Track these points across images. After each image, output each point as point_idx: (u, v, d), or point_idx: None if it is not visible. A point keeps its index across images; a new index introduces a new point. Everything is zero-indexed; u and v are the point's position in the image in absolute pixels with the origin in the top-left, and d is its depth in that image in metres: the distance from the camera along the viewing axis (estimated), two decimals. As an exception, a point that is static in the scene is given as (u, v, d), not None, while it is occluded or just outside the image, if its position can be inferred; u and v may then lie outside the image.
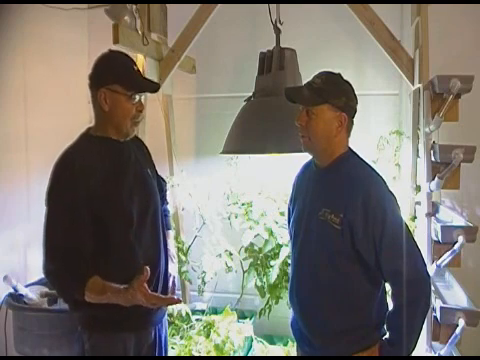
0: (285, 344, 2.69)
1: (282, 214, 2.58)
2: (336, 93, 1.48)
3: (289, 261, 2.45)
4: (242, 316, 2.80)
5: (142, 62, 2.45)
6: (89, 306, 1.47)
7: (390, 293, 1.50)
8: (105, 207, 1.49)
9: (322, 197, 1.53)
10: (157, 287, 1.61)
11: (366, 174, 1.53)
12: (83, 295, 1.42)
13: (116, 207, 1.52)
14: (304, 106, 1.51)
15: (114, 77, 1.50)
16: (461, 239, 1.90)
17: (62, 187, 1.47)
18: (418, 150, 2.41)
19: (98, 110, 1.54)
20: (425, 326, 1.49)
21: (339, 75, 1.54)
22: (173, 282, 1.75)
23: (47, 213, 1.47)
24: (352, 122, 1.54)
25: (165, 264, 1.68)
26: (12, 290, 2.31)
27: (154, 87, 1.62)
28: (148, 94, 2.57)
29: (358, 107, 1.55)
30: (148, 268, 1.41)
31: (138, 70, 1.58)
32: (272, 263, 2.57)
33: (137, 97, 1.54)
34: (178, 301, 1.50)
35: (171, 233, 1.88)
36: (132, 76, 1.54)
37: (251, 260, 2.68)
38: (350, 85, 1.53)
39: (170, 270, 1.73)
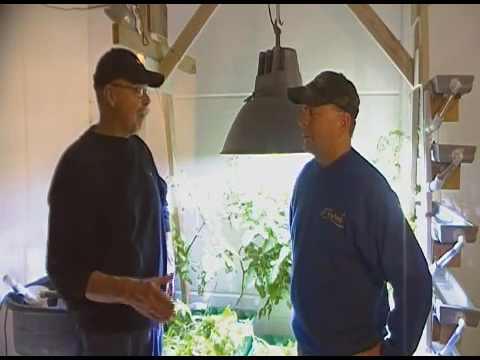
0: (285, 344, 2.69)
1: (282, 214, 2.58)
2: (339, 93, 1.49)
3: (289, 261, 2.45)
4: (242, 316, 2.80)
5: (142, 62, 2.45)
6: (88, 306, 1.46)
7: (392, 293, 1.50)
8: (108, 206, 1.49)
9: (324, 196, 1.54)
10: None
11: (368, 173, 1.53)
12: (83, 292, 1.41)
13: (119, 207, 1.52)
14: (308, 106, 1.51)
15: (118, 72, 1.51)
16: (461, 239, 1.90)
17: (66, 184, 1.47)
18: (418, 150, 2.41)
19: (104, 107, 1.55)
20: (425, 326, 1.48)
21: (341, 75, 1.54)
22: (170, 285, 1.75)
23: (51, 210, 1.47)
24: (354, 122, 1.54)
25: (164, 267, 1.68)
26: (12, 290, 2.31)
27: (158, 79, 1.62)
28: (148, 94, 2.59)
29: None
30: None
31: (141, 64, 1.60)
32: (272, 263, 2.57)
33: (142, 90, 1.55)
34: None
35: (169, 235, 1.88)
36: (136, 69, 1.55)
37: (251, 260, 2.68)
38: (352, 85, 1.53)
39: (168, 273, 1.73)
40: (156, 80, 1.61)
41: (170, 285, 1.75)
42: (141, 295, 1.37)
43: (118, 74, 1.51)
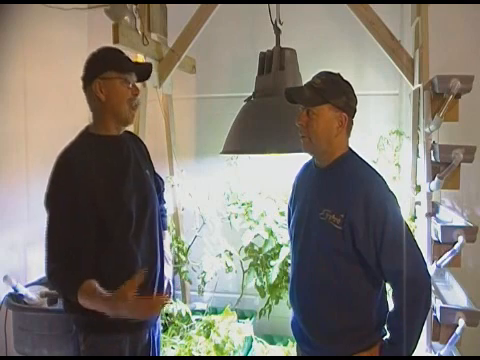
0: (285, 344, 2.69)
1: (282, 214, 2.58)
2: (336, 93, 1.48)
3: (289, 261, 2.45)
4: (242, 316, 2.80)
5: (142, 62, 2.45)
6: (85, 309, 1.46)
7: (391, 293, 1.50)
8: (105, 207, 1.49)
9: (323, 197, 1.53)
10: (152, 290, 1.61)
11: (367, 174, 1.53)
12: (76, 296, 1.40)
13: (116, 208, 1.51)
14: (305, 106, 1.51)
15: (106, 65, 1.52)
16: (461, 239, 1.90)
17: (62, 189, 1.46)
18: (418, 150, 2.41)
19: (95, 105, 1.55)
20: (425, 326, 1.49)
21: (339, 75, 1.54)
22: (168, 284, 1.75)
23: (49, 215, 1.46)
24: (352, 122, 1.54)
25: (161, 266, 1.68)
26: (12, 290, 2.31)
27: (145, 68, 1.63)
28: (148, 94, 2.59)
29: (358, 107, 1.55)
30: (144, 271, 1.36)
31: (127, 56, 1.60)
32: (272, 263, 2.57)
33: (131, 82, 1.55)
34: (167, 299, 1.44)
35: (167, 233, 1.87)
36: (122, 60, 1.56)
37: (251, 260, 2.68)
38: (350, 85, 1.53)
39: (165, 273, 1.73)
40: (144, 69, 1.63)
41: (169, 285, 1.75)
42: (119, 301, 1.35)
43: (106, 67, 1.52)
